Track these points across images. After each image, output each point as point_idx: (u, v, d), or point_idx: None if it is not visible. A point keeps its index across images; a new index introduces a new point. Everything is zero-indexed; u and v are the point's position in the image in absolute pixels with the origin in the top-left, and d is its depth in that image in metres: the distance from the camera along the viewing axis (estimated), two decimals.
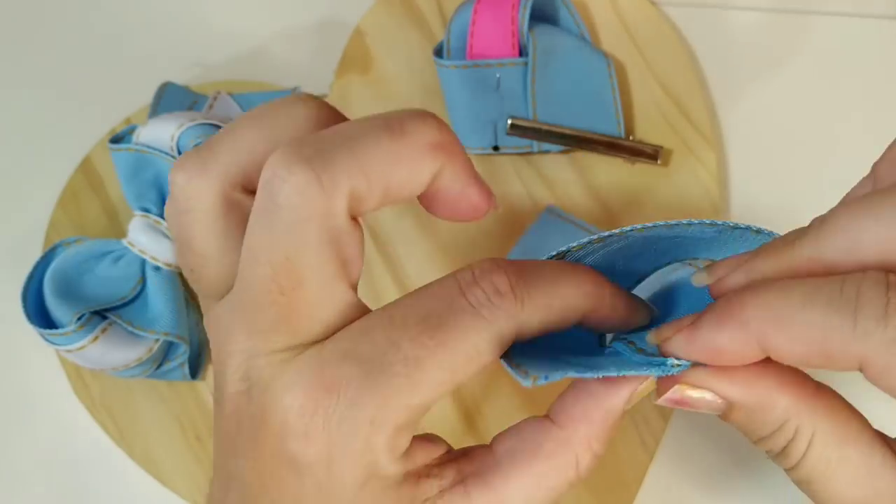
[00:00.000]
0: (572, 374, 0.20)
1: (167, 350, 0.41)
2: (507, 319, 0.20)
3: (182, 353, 0.41)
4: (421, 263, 0.42)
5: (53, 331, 0.37)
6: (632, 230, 0.22)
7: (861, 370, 0.19)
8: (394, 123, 0.21)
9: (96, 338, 0.38)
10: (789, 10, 0.44)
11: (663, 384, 0.21)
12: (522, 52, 0.41)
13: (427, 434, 0.23)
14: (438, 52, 0.42)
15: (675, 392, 0.21)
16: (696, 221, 0.22)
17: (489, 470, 0.22)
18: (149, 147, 0.39)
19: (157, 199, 0.40)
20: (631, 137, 0.42)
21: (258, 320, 0.20)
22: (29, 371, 0.44)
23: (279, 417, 0.20)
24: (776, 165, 0.42)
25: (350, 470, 0.20)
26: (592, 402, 0.22)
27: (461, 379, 0.20)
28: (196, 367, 0.42)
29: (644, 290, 0.24)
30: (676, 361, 0.20)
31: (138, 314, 0.40)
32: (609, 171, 0.42)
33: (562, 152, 0.42)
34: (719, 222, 0.22)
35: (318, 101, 0.24)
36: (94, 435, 0.43)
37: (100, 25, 0.49)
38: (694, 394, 0.21)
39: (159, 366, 0.41)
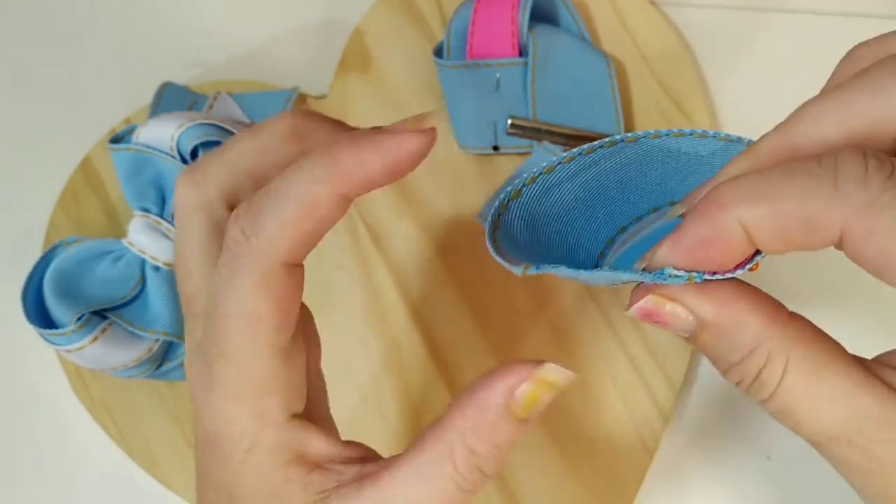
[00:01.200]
0: (564, 271, 0.20)
1: (167, 350, 0.41)
2: (249, 261, 0.22)
3: (182, 353, 0.41)
4: (421, 263, 0.42)
5: (53, 331, 0.37)
6: (600, 145, 0.22)
7: (842, 241, 0.18)
8: (257, 125, 0.25)
9: (96, 338, 0.38)
10: (790, 10, 0.44)
11: (637, 294, 0.21)
12: (522, 52, 0.41)
13: (352, 441, 0.24)
14: (438, 52, 0.42)
15: (648, 301, 0.21)
16: (688, 131, 0.22)
17: (385, 469, 0.22)
18: (149, 147, 0.39)
19: (157, 199, 0.40)
20: None
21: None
22: (29, 371, 0.44)
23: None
24: None
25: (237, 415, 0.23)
26: (467, 395, 0.22)
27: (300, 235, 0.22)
28: None
29: (625, 241, 0.24)
30: (674, 272, 0.20)
31: (138, 314, 0.40)
32: None
33: (562, 152, 0.42)
34: (711, 132, 0.22)
35: (298, 114, 0.25)
36: (94, 435, 0.43)
37: (100, 25, 0.49)
38: (666, 306, 0.21)
39: (159, 366, 0.41)
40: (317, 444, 0.23)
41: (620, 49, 0.43)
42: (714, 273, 0.20)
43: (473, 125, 0.42)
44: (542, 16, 0.42)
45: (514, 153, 0.42)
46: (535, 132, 0.41)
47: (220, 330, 0.22)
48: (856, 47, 0.23)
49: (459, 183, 0.43)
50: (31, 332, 0.38)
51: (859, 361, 0.20)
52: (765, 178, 0.19)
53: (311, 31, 0.47)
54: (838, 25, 0.43)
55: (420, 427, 0.40)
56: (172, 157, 0.38)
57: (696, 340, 0.21)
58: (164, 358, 0.41)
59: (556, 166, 0.23)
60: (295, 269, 0.23)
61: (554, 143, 0.41)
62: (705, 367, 0.41)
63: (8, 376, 0.45)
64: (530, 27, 0.41)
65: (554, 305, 0.40)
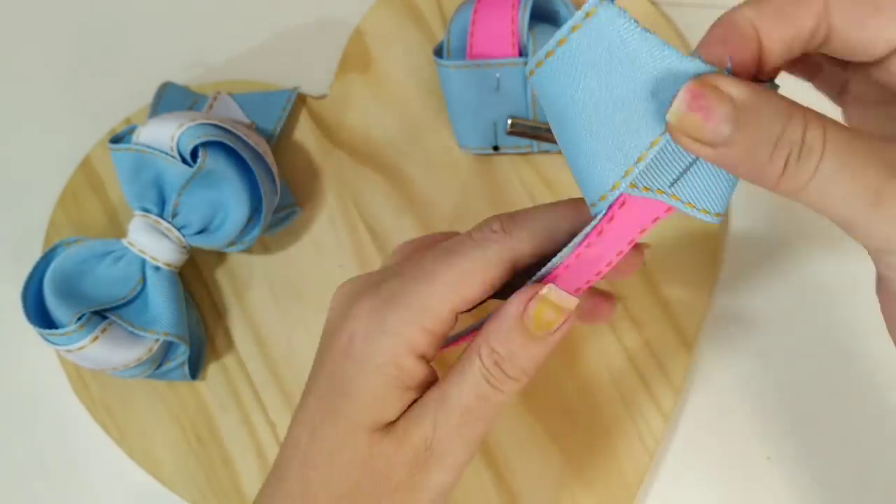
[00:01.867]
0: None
1: (167, 350, 0.41)
2: (499, 245, 0.28)
3: (182, 353, 0.41)
4: None
5: (53, 331, 0.37)
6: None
7: (827, 9, 0.22)
8: None
9: (96, 338, 0.38)
10: None
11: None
12: (522, 52, 0.41)
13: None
14: (438, 52, 0.42)
15: (694, 83, 0.22)
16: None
17: (442, 379, 0.29)
18: (149, 147, 0.39)
19: (157, 199, 0.40)
20: None
21: None
22: (29, 371, 0.44)
23: (350, 322, 0.28)
24: None
25: (374, 352, 0.27)
26: (497, 310, 0.28)
27: (467, 292, 0.28)
28: (196, 367, 0.42)
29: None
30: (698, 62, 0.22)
31: (138, 314, 0.40)
32: None
33: (561, 152, 0.42)
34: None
35: None
36: (94, 435, 0.43)
37: (100, 25, 0.49)
38: (707, 88, 0.22)
39: (159, 366, 0.41)
40: (422, 377, 0.29)
41: None
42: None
43: (473, 125, 0.42)
44: (542, 16, 0.42)
45: (514, 153, 0.42)
46: (535, 132, 0.41)
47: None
48: None
49: (459, 183, 0.43)
50: (31, 332, 0.38)
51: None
52: None
53: (311, 31, 0.47)
54: None
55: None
56: (172, 157, 0.38)
57: (735, 132, 0.22)
58: (164, 358, 0.41)
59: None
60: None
61: (554, 143, 0.41)
62: (705, 367, 0.41)
63: (8, 376, 0.45)
64: (530, 27, 0.41)
65: None
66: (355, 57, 0.45)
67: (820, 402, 0.40)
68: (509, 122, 0.41)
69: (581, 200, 0.27)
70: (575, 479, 0.39)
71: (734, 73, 0.23)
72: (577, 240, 0.26)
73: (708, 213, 0.24)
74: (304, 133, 0.44)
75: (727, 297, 0.41)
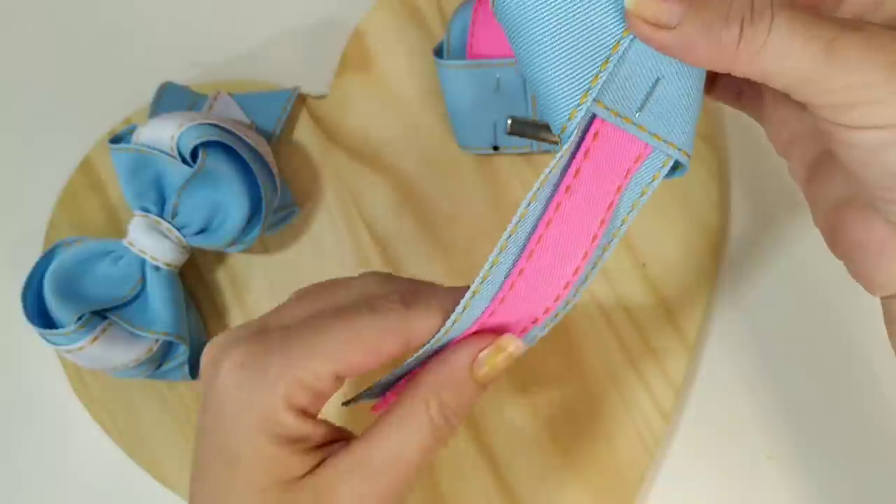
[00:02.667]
0: None
1: (167, 350, 0.41)
2: (397, 316, 0.26)
3: (182, 353, 0.41)
4: (421, 263, 0.42)
5: (53, 331, 0.37)
6: None
7: None
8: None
9: (96, 338, 0.38)
10: None
11: None
12: None
13: (341, 427, 0.29)
14: (438, 52, 0.42)
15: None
16: None
17: (369, 430, 0.27)
18: (149, 147, 0.39)
19: (157, 199, 0.40)
20: None
21: None
22: (29, 371, 0.44)
23: (220, 378, 0.26)
24: (776, 165, 0.42)
25: (252, 410, 0.26)
26: (437, 360, 0.27)
27: (353, 358, 0.26)
28: (196, 367, 0.42)
29: None
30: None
31: (138, 314, 0.40)
32: None
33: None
34: None
35: None
36: (94, 435, 0.43)
37: (100, 25, 0.49)
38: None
39: (159, 366, 0.41)
40: (320, 430, 0.27)
41: None
42: None
43: (473, 125, 0.42)
44: None
45: (514, 153, 0.42)
46: (535, 132, 0.41)
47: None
48: None
49: (459, 183, 0.43)
50: (31, 332, 0.38)
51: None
52: None
53: (312, 31, 0.47)
54: None
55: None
56: (172, 156, 0.38)
57: (691, 8, 0.22)
58: (164, 358, 0.41)
59: None
60: None
61: (554, 143, 0.41)
62: (705, 367, 0.41)
63: (8, 376, 0.45)
64: None
65: None
66: (355, 57, 0.45)
67: (820, 401, 0.40)
68: (509, 122, 0.41)
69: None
70: (575, 479, 0.39)
71: None
72: (543, 190, 0.25)
73: (675, 147, 0.25)
74: (304, 133, 0.44)
75: (727, 297, 0.41)
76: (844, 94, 0.22)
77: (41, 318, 0.39)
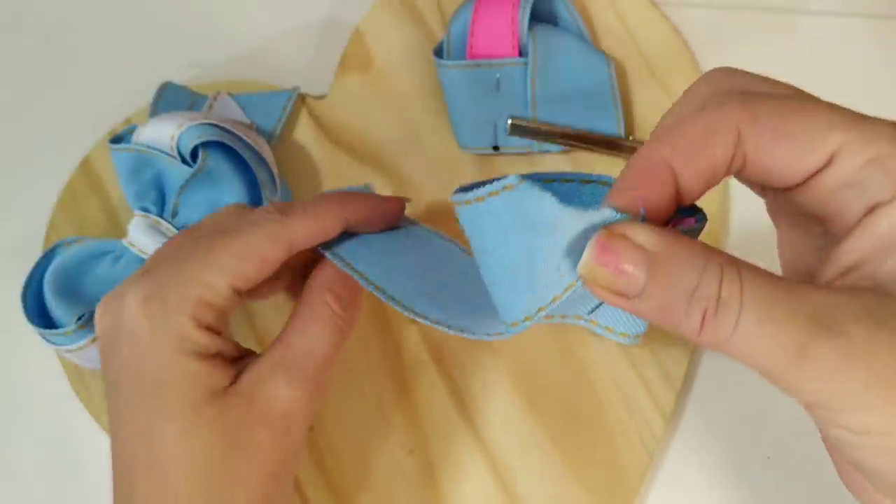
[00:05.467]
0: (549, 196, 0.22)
1: None
2: (277, 225, 0.29)
3: None
4: None
5: (53, 331, 0.37)
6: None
7: (738, 134, 0.22)
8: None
9: (96, 338, 0.38)
10: (789, 10, 0.44)
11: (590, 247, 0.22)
12: (522, 52, 0.41)
13: (248, 349, 0.31)
14: (438, 52, 0.42)
15: (601, 235, 0.21)
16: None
17: (281, 334, 0.30)
18: (149, 147, 0.39)
19: (157, 199, 0.40)
20: (631, 137, 0.42)
21: None
22: (29, 371, 0.44)
23: (126, 318, 0.28)
24: None
25: (165, 334, 0.27)
26: (321, 264, 0.31)
27: (246, 269, 0.28)
28: None
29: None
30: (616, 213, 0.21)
31: None
32: (609, 171, 0.41)
33: (562, 152, 0.42)
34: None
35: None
36: (94, 435, 0.43)
37: (100, 25, 0.49)
38: (616, 239, 0.21)
39: None
40: (230, 346, 0.30)
41: (620, 49, 0.43)
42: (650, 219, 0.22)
43: (473, 125, 0.42)
44: (541, 16, 0.42)
45: (514, 153, 0.42)
46: (535, 132, 0.41)
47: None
48: (701, 78, 0.25)
49: (459, 183, 0.43)
50: (31, 332, 0.38)
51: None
52: (664, 121, 0.24)
53: (311, 31, 0.47)
54: (837, 25, 0.43)
55: (419, 423, 0.40)
56: (172, 156, 0.38)
57: (649, 285, 0.21)
58: None
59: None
60: None
61: (554, 143, 0.41)
62: (705, 367, 0.41)
63: (8, 376, 0.45)
64: (530, 27, 0.41)
65: None
66: (355, 57, 0.45)
67: None
68: (509, 122, 0.41)
69: (352, 196, 0.32)
70: (575, 480, 0.39)
71: (649, 218, 0.22)
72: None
73: (627, 336, 0.24)
74: (304, 133, 0.44)
75: None
76: (814, 397, 0.20)
77: (41, 318, 0.38)
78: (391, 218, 0.34)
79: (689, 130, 0.22)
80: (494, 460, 0.40)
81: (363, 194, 0.33)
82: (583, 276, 0.21)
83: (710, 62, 0.43)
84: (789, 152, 0.21)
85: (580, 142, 0.41)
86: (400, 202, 0.35)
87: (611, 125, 0.41)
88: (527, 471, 0.39)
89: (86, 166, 0.45)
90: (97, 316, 0.30)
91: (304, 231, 0.30)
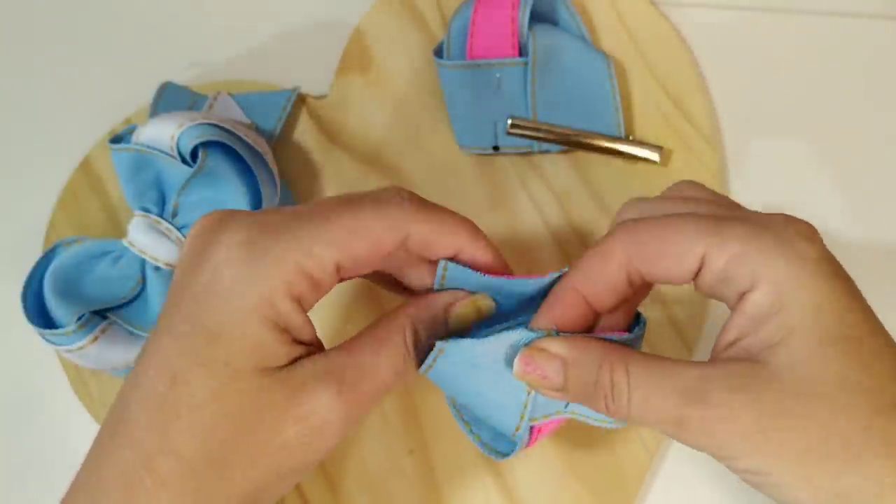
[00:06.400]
0: (472, 273, 0.29)
1: None
2: (402, 213, 0.28)
3: None
4: None
5: (53, 331, 0.37)
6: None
7: (627, 267, 0.27)
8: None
9: (96, 338, 0.38)
10: (789, 10, 0.44)
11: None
12: (522, 52, 0.41)
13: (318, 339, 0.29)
14: (438, 52, 0.42)
15: (524, 352, 0.27)
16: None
17: (350, 341, 0.29)
18: (149, 147, 0.39)
19: (157, 199, 0.40)
20: (631, 137, 0.42)
21: None
22: (29, 371, 0.44)
23: (216, 251, 0.26)
24: (776, 165, 0.42)
25: (249, 289, 0.25)
26: (418, 297, 0.30)
27: (357, 247, 0.27)
28: None
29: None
30: (538, 330, 0.28)
31: (138, 314, 0.40)
32: (609, 171, 0.42)
33: (562, 152, 0.42)
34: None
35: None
36: (94, 435, 0.43)
37: (100, 25, 0.49)
38: (537, 353, 0.27)
39: None
40: (306, 329, 0.28)
41: (620, 49, 0.43)
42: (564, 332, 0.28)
43: (473, 125, 0.42)
44: (541, 16, 0.42)
45: (514, 153, 0.42)
46: (535, 132, 0.41)
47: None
48: (626, 204, 0.30)
49: (459, 183, 0.43)
50: (31, 332, 0.38)
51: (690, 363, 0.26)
52: (577, 263, 0.28)
53: (311, 31, 0.47)
54: (837, 25, 0.43)
55: (419, 423, 0.40)
56: (172, 156, 0.38)
57: (566, 382, 0.27)
58: None
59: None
60: None
61: (554, 143, 0.41)
62: None
63: (8, 376, 0.45)
64: (530, 27, 0.41)
65: None
66: (355, 57, 0.45)
67: None
68: (509, 122, 0.41)
69: (479, 231, 0.31)
70: (575, 480, 0.39)
71: (566, 330, 0.28)
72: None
73: (605, 422, 0.29)
74: (304, 133, 0.44)
75: None
76: (706, 450, 0.26)
77: (41, 318, 0.38)
78: (491, 271, 0.31)
79: (590, 259, 0.28)
80: (494, 460, 0.40)
81: (485, 237, 0.31)
82: (518, 375, 0.27)
83: (710, 62, 0.43)
84: (669, 265, 0.26)
85: (580, 142, 0.41)
86: (503, 268, 0.31)
87: (611, 125, 0.41)
88: (527, 470, 0.39)
89: (86, 166, 0.45)
90: (194, 225, 0.27)
91: (426, 230, 0.28)
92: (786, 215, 0.27)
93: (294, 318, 0.26)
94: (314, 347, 0.28)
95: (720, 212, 0.27)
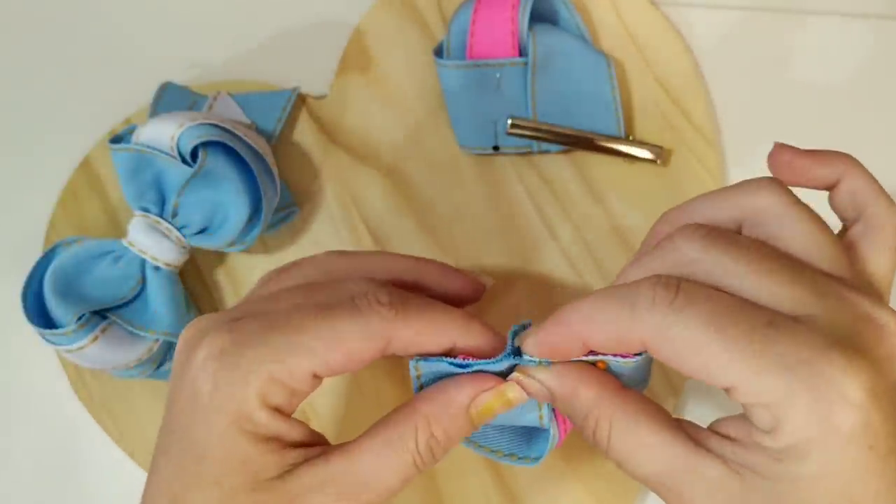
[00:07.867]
0: (445, 364, 0.28)
1: (167, 350, 0.41)
2: (383, 323, 0.26)
3: None
4: None
5: (53, 331, 0.37)
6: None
7: (646, 347, 0.24)
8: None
9: (96, 338, 0.38)
10: (789, 10, 0.44)
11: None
12: (522, 52, 0.41)
13: (317, 432, 0.28)
14: (438, 52, 0.42)
15: (514, 375, 0.27)
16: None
17: (351, 443, 0.27)
18: (149, 147, 0.39)
19: (157, 199, 0.40)
20: (631, 137, 0.42)
21: None
22: (29, 371, 0.44)
23: (193, 366, 0.26)
24: None
25: (225, 402, 0.25)
26: (436, 390, 0.28)
27: (332, 359, 0.26)
28: None
29: None
30: (529, 358, 0.27)
31: (138, 314, 0.40)
32: (609, 171, 0.42)
33: (562, 152, 0.42)
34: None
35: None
36: (94, 435, 0.43)
37: (99, 25, 0.49)
38: (526, 380, 0.27)
39: (159, 366, 0.41)
40: (295, 431, 0.27)
41: (620, 49, 0.43)
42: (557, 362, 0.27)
43: (473, 125, 0.42)
44: (541, 16, 0.42)
45: (514, 153, 0.42)
46: (535, 132, 0.41)
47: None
48: (665, 214, 0.29)
49: (459, 183, 0.43)
50: (31, 332, 0.38)
51: (675, 422, 0.25)
52: (593, 303, 0.25)
53: (311, 31, 0.47)
54: (837, 25, 0.43)
55: None
56: (173, 156, 0.38)
57: (555, 405, 0.27)
58: (164, 358, 0.41)
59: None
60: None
61: (554, 143, 0.41)
62: None
63: (8, 376, 0.45)
64: (530, 27, 0.41)
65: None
66: (355, 57, 0.45)
67: None
68: (509, 122, 0.41)
69: (472, 321, 0.29)
70: (575, 479, 0.39)
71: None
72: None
73: (630, 362, 0.28)
74: (304, 133, 0.44)
75: None
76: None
77: (41, 317, 0.38)
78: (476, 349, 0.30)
79: (606, 310, 0.25)
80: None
81: (478, 321, 0.29)
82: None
83: (710, 62, 0.43)
84: (697, 376, 0.24)
85: (580, 142, 0.41)
86: (501, 344, 0.29)
87: (611, 125, 0.41)
88: (527, 470, 0.39)
89: (86, 166, 0.45)
90: (180, 337, 0.27)
91: (409, 338, 0.27)
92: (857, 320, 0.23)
93: (276, 426, 0.26)
94: (315, 446, 0.27)
95: (783, 297, 0.24)
